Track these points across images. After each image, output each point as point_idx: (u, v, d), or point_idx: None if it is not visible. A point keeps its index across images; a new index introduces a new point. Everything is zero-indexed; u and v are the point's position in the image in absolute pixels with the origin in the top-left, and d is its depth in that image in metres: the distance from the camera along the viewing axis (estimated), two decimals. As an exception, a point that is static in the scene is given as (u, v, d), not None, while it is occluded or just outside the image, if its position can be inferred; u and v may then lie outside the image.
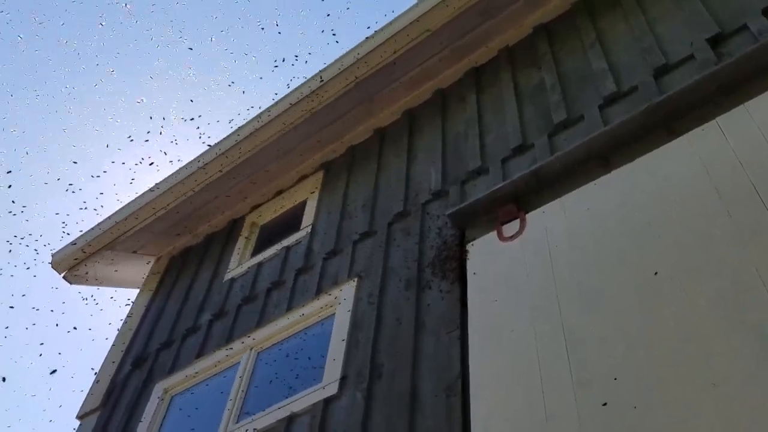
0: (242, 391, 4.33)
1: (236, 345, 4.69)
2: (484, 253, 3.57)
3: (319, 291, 4.48)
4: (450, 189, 4.30)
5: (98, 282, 6.70)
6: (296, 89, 5.49)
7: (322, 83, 5.32)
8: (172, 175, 6.06)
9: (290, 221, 5.64)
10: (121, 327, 6.02)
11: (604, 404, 2.47)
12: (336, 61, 5.32)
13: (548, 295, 3.03)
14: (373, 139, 5.52)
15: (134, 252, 6.49)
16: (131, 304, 6.29)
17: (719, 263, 2.61)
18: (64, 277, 6.44)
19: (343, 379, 3.68)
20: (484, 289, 3.36)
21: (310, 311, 4.41)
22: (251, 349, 4.59)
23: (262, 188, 6.06)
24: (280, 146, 5.70)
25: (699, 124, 3.17)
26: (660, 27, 4.02)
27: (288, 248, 5.20)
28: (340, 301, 4.23)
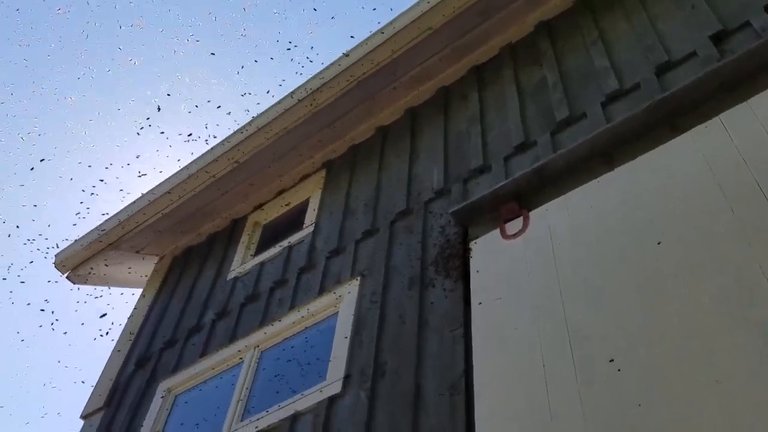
0: (246, 389, 4.33)
1: (240, 344, 4.69)
2: (487, 251, 3.57)
3: (322, 290, 4.49)
4: (452, 187, 4.30)
5: (101, 282, 6.72)
6: (298, 88, 5.49)
7: (323, 82, 5.33)
8: (175, 174, 6.07)
9: (293, 220, 5.65)
10: (125, 326, 6.03)
11: (608, 402, 2.47)
12: (337, 60, 5.32)
13: (552, 293, 3.03)
14: (376, 137, 5.52)
15: (137, 252, 6.50)
16: (134, 303, 6.30)
17: (723, 260, 2.60)
18: (67, 277, 6.45)
19: (347, 377, 3.69)
20: (488, 287, 3.36)
21: (313, 310, 4.41)
22: (255, 348, 4.59)
23: (264, 187, 6.07)
24: (283, 145, 5.71)
25: (702, 121, 3.16)
26: (662, 24, 4.01)
27: (291, 247, 5.21)
28: (344, 300, 4.24)
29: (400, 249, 4.25)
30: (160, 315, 5.79)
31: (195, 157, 6.01)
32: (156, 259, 6.67)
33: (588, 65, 4.23)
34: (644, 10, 4.19)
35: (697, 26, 3.75)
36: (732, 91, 3.17)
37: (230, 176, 5.89)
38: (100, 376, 5.57)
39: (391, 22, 5.07)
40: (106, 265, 6.53)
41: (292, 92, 5.52)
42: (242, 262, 5.60)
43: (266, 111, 5.65)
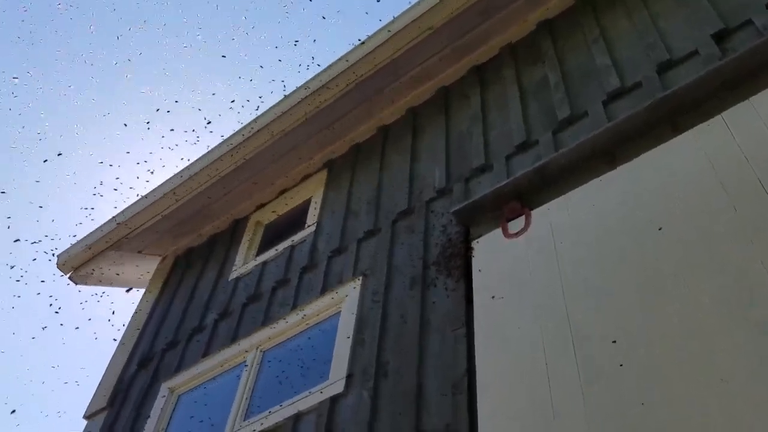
0: (248, 389, 4.34)
1: (242, 344, 4.70)
2: (489, 250, 3.56)
3: (324, 289, 4.49)
4: (454, 186, 4.30)
5: (103, 282, 6.72)
6: (299, 88, 5.49)
7: (324, 82, 5.33)
8: (177, 174, 6.08)
9: (294, 220, 5.65)
10: (127, 327, 6.04)
11: (611, 401, 2.47)
12: (338, 60, 5.32)
13: (554, 292, 3.02)
14: (377, 137, 5.52)
15: (139, 252, 6.51)
16: (137, 304, 6.31)
17: (725, 259, 2.60)
18: (69, 278, 6.46)
19: (349, 377, 3.69)
20: (490, 287, 3.36)
21: (315, 310, 4.41)
22: (257, 348, 4.60)
23: (266, 187, 6.07)
24: (284, 145, 5.71)
25: (704, 119, 3.16)
26: (663, 22, 4.01)
27: (293, 247, 5.21)
28: (346, 300, 4.24)
29: (401, 248, 4.25)
30: (163, 315, 5.80)
31: (198, 157, 6.02)
32: (158, 260, 6.67)
33: (589, 63, 4.23)
34: (645, 8, 4.19)
35: (699, 24, 3.74)
36: (734, 90, 3.17)
37: (232, 176, 5.90)
38: (103, 376, 5.58)
39: (391, 22, 5.07)
40: (109, 266, 6.54)
41: (293, 92, 5.52)
42: (244, 263, 5.61)
43: (267, 111, 5.65)
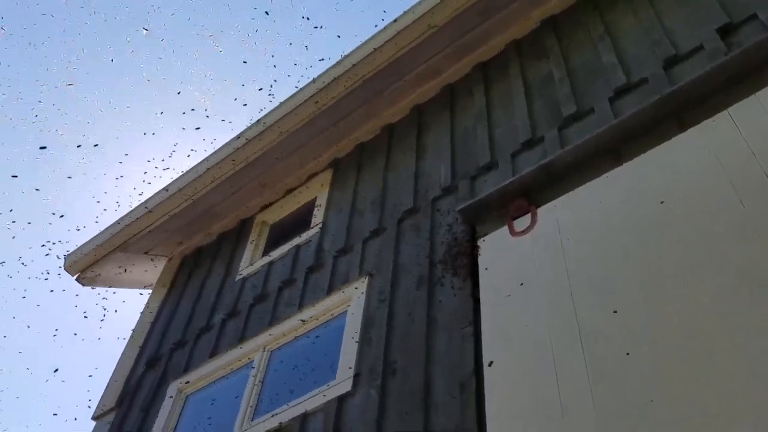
0: (256, 389, 4.35)
1: (249, 344, 4.71)
2: (496, 249, 3.56)
3: (330, 289, 4.49)
4: (460, 184, 4.29)
5: (111, 283, 6.75)
6: (303, 88, 5.49)
7: (328, 82, 5.32)
8: (182, 176, 6.09)
9: (300, 220, 5.66)
10: (135, 327, 6.05)
11: (619, 398, 2.47)
12: (342, 59, 5.32)
13: (561, 290, 3.02)
14: (382, 136, 5.52)
15: (146, 253, 6.52)
16: (144, 305, 6.33)
17: (734, 256, 2.59)
18: (77, 280, 6.48)
19: (357, 376, 3.69)
20: (496, 285, 3.36)
21: (321, 309, 4.42)
22: (264, 348, 4.61)
23: (271, 187, 6.08)
24: (289, 145, 5.71)
25: (710, 115, 3.15)
26: (669, 18, 3.99)
27: (299, 247, 5.22)
28: (352, 299, 4.24)
29: (407, 247, 4.24)
30: (170, 315, 5.81)
31: (202, 159, 6.03)
32: (165, 261, 6.69)
33: (595, 60, 4.21)
34: (650, 4, 4.17)
35: (704, 19, 3.73)
36: (740, 84, 3.16)
37: (238, 176, 5.90)
38: (111, 377, 5.60)
39: (394, 21, 5.07)
40: (116, 267, 6.56)
41: (298, 91, 5.53)
42: (250, 262, 5.62)
43: (272, 111, 5.66)
